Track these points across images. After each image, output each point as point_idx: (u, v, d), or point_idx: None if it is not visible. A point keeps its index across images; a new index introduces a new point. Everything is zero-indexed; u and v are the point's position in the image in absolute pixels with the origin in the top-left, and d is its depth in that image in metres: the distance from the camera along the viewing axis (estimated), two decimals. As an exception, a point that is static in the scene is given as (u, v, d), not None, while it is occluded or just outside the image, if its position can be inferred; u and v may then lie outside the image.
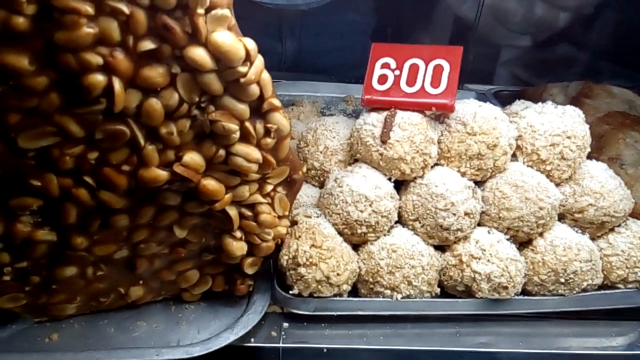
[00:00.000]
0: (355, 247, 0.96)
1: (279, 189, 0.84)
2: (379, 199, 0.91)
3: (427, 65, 0.92)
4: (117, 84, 0.62)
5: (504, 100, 1.99)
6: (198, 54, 0.64)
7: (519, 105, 1.06)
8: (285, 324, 0.92)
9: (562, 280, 0.93)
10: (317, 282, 0.88)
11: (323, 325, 0.93)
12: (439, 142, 0.96)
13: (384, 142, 0.91)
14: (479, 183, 0.98)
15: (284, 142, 0.79)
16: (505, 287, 0.92)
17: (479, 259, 0.92)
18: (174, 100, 0.67)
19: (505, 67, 2.30)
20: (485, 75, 2.22)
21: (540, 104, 1.01)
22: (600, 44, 2.18)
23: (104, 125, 0.66)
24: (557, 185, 0.99)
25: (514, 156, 0.99)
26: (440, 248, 0.97)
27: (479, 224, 0.98)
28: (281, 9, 1.80)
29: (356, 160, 1.00)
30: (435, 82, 0.91)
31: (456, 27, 2.12)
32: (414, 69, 0.93)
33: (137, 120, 0.67)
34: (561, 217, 0.99)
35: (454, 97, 0.90)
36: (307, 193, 1.02)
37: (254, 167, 0.76)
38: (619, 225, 1.00)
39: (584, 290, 0.96)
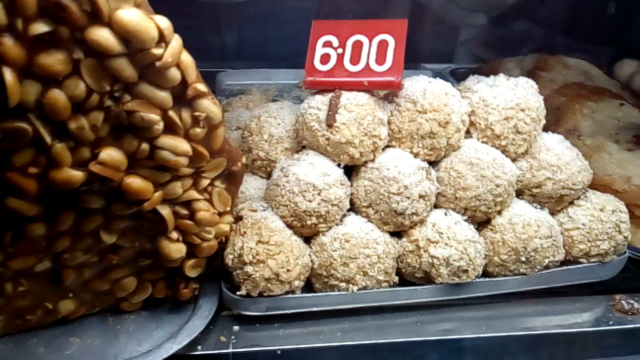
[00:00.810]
0: (308, 239, 0.90)
1: (217, 183, 0.77)
2: (327, 186, 0.85)
3: (371, 41, 0.86)
4: (8, 75, 0.54)
5: (460, 78, 1.96)
6: (101, 35, 0.56)
7: (471, 80, 1.01)
8: (236, 327, 0.86)
9: (523, 258, 0.89)
10: (266, 281, 0.82)
11: (277, 325, 0.87)
12: (389, 123, 0.91)
13: (329, 125, 0.85)
14: (433, 163, 0.93)
15: (216, 132, 0.72)
16: (465, 271, 0.87)
17: (437, 243, 0.87)
18: (81, 91, 0.59)
19: (465, 46, 2.27)
20: (445, 55, 2.18)
21: (492, 77, 0.97)
22: (557, 18, 2.17)
23: (0, 124, 0.58)
24: (514, 160, 0.95)
25: (468, 133, 0.95)
26: (397, 234, 0.92)
27: (436, 206, 0.93)
28: (215, 2, 1.75)
29: (304, 147, 0.94)
30: (380, 59, 0.85)
31: (412, 7, 2.07)
32: (357, 46, 0.87)
33: (39, 116, 0.59)
34: (520, 193, 0.96)
35: (401, 73, 0.85)
36: (254, 185, 0.96)
37: (184, 160, 0.69)
38: (578, 198, 0.97)
39: (546, 267, 0.93)
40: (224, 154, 0.75)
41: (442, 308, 0.92)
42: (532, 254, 0.89)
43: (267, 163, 0.95)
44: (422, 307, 0.92)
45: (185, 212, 0.75)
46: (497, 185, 0.88)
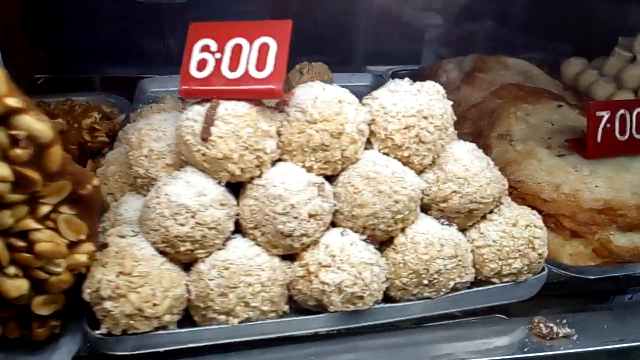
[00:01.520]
0: (189, 266, 0.81)
1: (64, 209, 0.68)
2: (203, 208, 0.76)
3: (251, 44, 0.77)
4: None
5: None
6: None
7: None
8: (103, 369, 0.76)
9: (426, 281, 0.81)
10: (127, 317, 0.72)
11: (149, 365, 0.78)
12: (279, 135, 0.82)
13: (204, 139, 0.76)
14: (331, 178, 0.85)
15: (49, 152, 0.62)
16: (361, 297, 0.79)
17: (328, 267, 0.78)
18: None
19: (421, 45, 2.19)
20: (399, 56, 2.10)
21: (395, 81, 0.88)
22: (514, 15, 2.11)
23: None
24: (421, 172, 0.87)
25: (370, 143, 0.87)
26: (290, 257, 0.83)
27: (335, 225, 0.85)
28: (159, 5, 1.68)
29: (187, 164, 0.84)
30: (260, 65, 0.76)
31: (355, 7, 1.99)
32: (237, 50, 0.77)
33: None
34: (428, 208, 0.88)
35: (282, 80, 0.76)
36: (134, 206, 0.86)
37: (5, 186, 0.60)
38: (491, 212, 0.89)
39: (455, 289, 0.85)
40: (67, 175, 0.66)
41: (341, 338, 0.84)
42: (435, 276, 0.81)
43: (148, 181, 0.86)
44: (320, 337, 0.83)
45: (21, 244, 0.65)
46: (396, 202, 0.80)
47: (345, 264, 0.78)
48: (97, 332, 0.73)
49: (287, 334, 0.80)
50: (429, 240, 0.81)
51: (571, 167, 1.13)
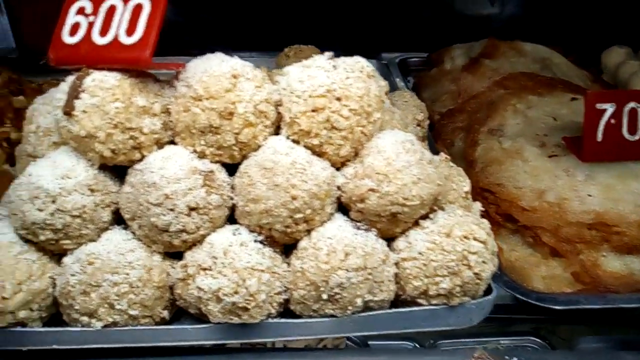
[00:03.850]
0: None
1: None
2: (66, 193, 0.66)
3: (125, 6, 0.67)
4: None
5: (412, 68, 1.72)
6: None
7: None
8: (-39, 365, 0.70)
9: (325, 296, 0.67)
10: (-28, 309, 0.64)
11: (12, 364, 0.70)
12: (169, 113, 0.71)
13: (66, 113, 0.66)
14: (235, 167, 0.73)
15: None
16: (245, 309, 0.66)
17: (207, 270, 0.67)
18: None
19: (451, 31, 1.98)
20: (427, 42, 1.91)
21: (313, 57, 0.74)
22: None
23: None
24: (340, 165, 0.73)
25: (280, 128, 0.74)
26: (180, 256, 0.72)
27: (235, 222, 0.73)
28: None
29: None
30: (131, 29, 0.66)
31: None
32: (110, 12, 0.67)
33: None
34: (348, 209, 0.73)
35: (150, 47, 0.64)
36: (23, 187, 0.78)
37: None
38: (425, 218, 0.73)
39: (369, 308, 0.70)
40: None
41: (231, 354, 0.72)
42: (337, 290, 0.67)
43: (34, 160, 0.78)
44: (206, 351, 0.72)
45: None
46: (294, 197, 0.66)
47: (227, 268, 0.66)
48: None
49: (162, 344, 0.70)
50: (332, 247, 0.67)
51: (562, 170, 0.94)
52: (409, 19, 1.85)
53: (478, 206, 0.83)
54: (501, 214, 0.93)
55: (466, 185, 0.84)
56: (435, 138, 1.22)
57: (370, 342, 0.87)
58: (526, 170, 0.95)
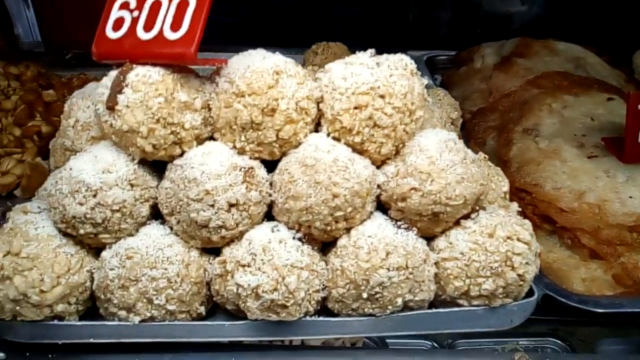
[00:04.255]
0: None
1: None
2: (106, 187, 0.66)
3: (170, 2, 0.66)
4: None
5: (439, 66, 1.70)
6: None
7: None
8: (1, 355, 0.70)
9: (365, 295, 0.66)
10: (12, 302, 0.65)
11: (50, 357, 0.70)
12: (209, 109, 0.71)
13: (109, 108, 0.66)
14: (272, 164, 0.72)
15: None
16: (284, 306, 0.66)
17: (246, 267, 0.66)
18: None
19: (482, 29, 1.96)
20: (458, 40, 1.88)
21: (357, 54, 0.73)
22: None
23: None
24: (381, 164, 0.72)
25: (321, 125, 0.73)
26: (217, 252, 0.72)
27: (273, 218, 0.72)
28: None
29: (114, 137, 0.75)
30: (176, 25, 0.65)
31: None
32: (155, 7, 0.67)
33: None
34: (388, 207, 0.72)
35: (195, 43, 0.64)
36: (60, 181, 0.79)
37: None
38: (467, 218, 0.72)
39: (408, 308, 0.69)
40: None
41: (266, 350, 0.72)
42: (378, 289, 0.66)
43: (74, 154, 0.78)
44: (243, 347, 0.71)
45: None
46: (335, 195, 0.66)
47: (266, 265, 0.66)
48: (-17, 314, 0.66)
49: (198, 339, 0.69)
50: (373, 246, 0.66)
51: (602, 171, 0.92)
52: (434, 17, 1.84)
53: (515, 207, 0.81)
54: (538, 214, 0.91)
55: (505, 185, 0.83)
56: (466, 137, 1.20)
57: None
58: (565, 171, 0.93)
